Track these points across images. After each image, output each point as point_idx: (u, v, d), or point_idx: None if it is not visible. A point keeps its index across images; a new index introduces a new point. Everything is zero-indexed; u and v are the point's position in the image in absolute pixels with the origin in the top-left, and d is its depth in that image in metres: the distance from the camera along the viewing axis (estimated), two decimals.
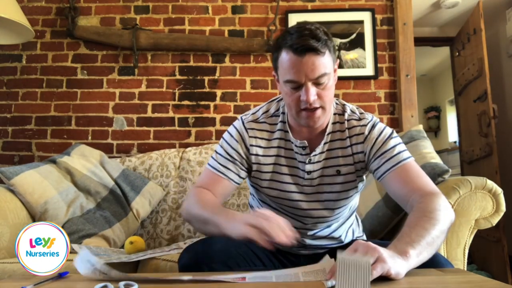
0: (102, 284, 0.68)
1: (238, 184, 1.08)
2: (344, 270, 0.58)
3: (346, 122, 1.05)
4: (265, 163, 1.06)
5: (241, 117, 1.11)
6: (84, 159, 1.90)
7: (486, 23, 2.85)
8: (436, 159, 1.55)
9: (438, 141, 5.72)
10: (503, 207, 1.33)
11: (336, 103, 1.09)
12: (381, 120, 1.11)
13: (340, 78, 2.24)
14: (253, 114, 1.10)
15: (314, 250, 1.13)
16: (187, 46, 2.28)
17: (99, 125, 2.26)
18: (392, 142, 1.00)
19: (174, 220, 1.88)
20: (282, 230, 0.76)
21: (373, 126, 1.03)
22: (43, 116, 2.26)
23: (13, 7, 1.84)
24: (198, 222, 0.97)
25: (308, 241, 1.12)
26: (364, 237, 1.28)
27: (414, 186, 0.93)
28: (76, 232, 1.60)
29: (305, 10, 2.35)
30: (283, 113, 1.08)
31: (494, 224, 1.35)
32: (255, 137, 1.07)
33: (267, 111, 1.10)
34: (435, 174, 1.40)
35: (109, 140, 2.25)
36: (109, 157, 2.01)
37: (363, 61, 2.30)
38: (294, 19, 2.29)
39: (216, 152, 1.08)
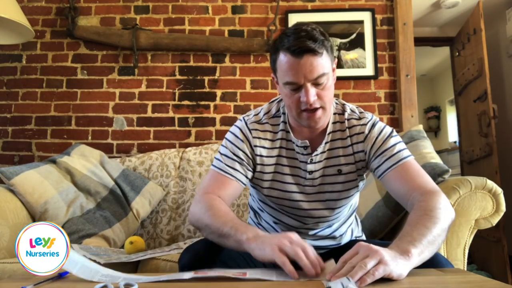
0: (102, 284, 0.68)
1: (245, 185, 1.05)
2: None
3: (346, 121, 1.05)
4: (267, 163, 1.06)
5: (243, 118, 1.09)
6: (84, 159, 1.90)
7: (486, 23, 2.85)
8: (436, 159, 1.55)
9: (438, 141, 5.72)
10: (503, 207, 1.33)
11: (336, 103, 1.09)
12: (381, 120, 1.11)
13: (340, 78, 2.24)
14: (255, 115, 1.09)
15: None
16: (187, 46, 2.28)
17: (99, 125, 2.26)
18: (392, 141, 1.00)
19: (174, 220, 1.88)
20: (311, 261, 0.73)
21: (373, 125, 1.03)
22: (43, 116, 2.26)
23: (13, 7, 1.84)
24: (211, 233, 0.91)
25: (309, 242, 1.11)
26: (363, 237, 1.28)
27: (414, 184, 0.93)
28: (76, 232, 1.60)
29: (305, 10, 2.35)
30: (284, 113, 1.07)
31: (494, 224, 1.34)
32: (259, 138, 1.06)
33: (268, 112, 1.09)
34: (435, 174, 1.40)
35: (109, 140, 2.25)
36: (109, 157, 2.01)
37: (363, 61, 2.30)
38: (294, 19, 2.29)
39: (221, 153, 1.05)
